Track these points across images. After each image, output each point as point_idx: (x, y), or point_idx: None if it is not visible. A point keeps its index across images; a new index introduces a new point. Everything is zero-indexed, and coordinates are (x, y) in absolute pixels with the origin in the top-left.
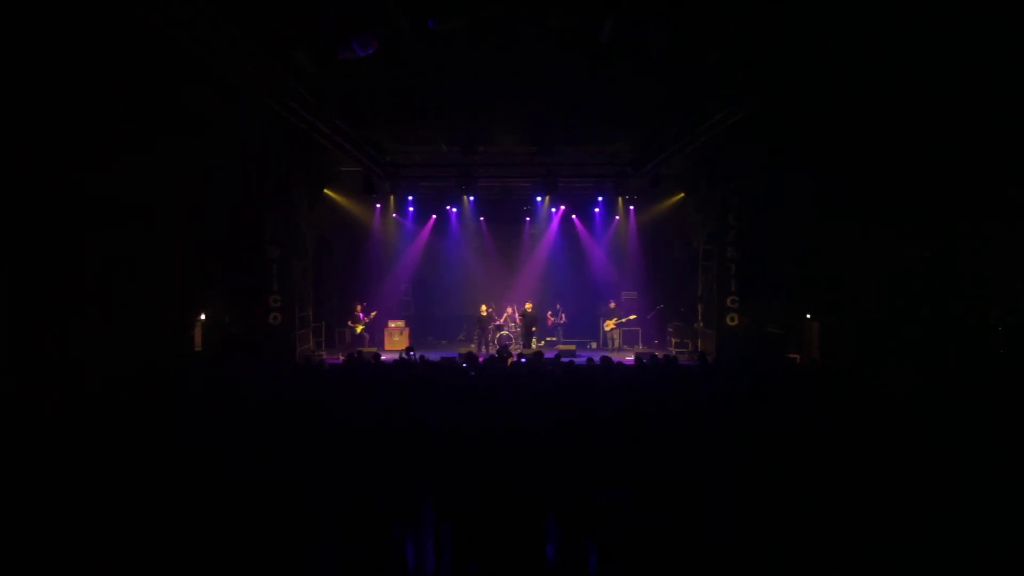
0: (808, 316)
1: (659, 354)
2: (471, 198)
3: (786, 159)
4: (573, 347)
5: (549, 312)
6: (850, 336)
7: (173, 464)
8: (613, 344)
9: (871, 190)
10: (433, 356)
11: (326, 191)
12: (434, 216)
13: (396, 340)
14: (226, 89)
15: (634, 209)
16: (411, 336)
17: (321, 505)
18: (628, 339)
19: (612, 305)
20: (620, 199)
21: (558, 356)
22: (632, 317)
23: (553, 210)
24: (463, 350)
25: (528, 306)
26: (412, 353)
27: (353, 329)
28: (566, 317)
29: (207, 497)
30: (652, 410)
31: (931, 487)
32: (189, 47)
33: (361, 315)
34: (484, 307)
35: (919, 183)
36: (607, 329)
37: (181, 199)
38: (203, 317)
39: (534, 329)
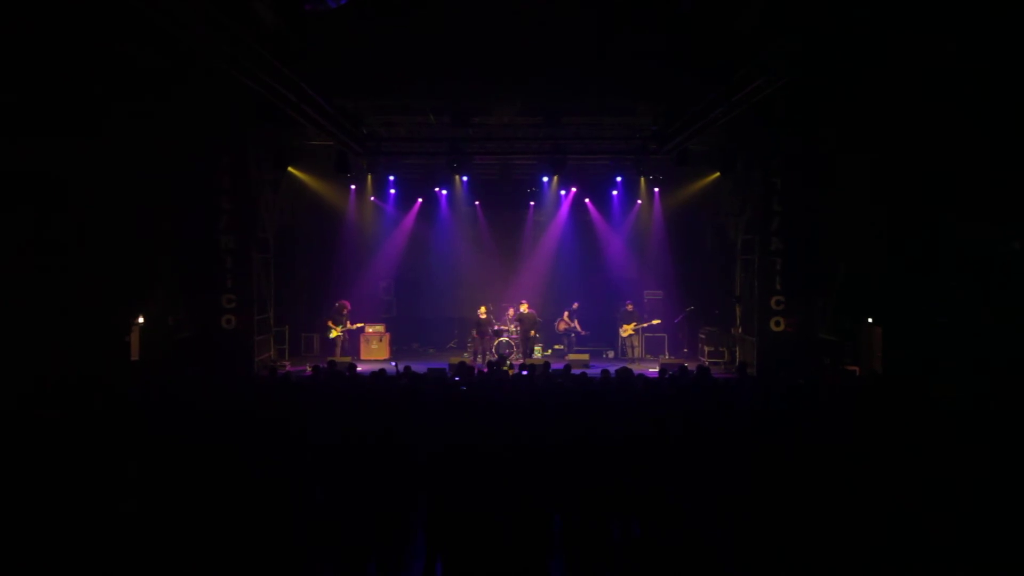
0: (869, 320)
1: (689, 365)
2: (464, 178)
3: (842, 130)
4: (586, 357)
5: (566, 313)
6: (921, 344)
7: (99, 500)
8: (633, 353)
9: (951, 168)
10: (419, 367)
11: (291, 170)
12: (420, 200)
13: (375, 348)
14: (171, 47)
15: (659, 191)
16: (393, 343)
17: (285, 552)
18: (652, 347)
19: (629, 307)
20: (642, 179)
21: (568, 367)
22: (656, 322)
23: (562, 192)
24: (455, 360)
25: (523, 307)
26: (394, 364)
27: (329, 331)
28: (580, 325)
29: (138, 544)
30: (681, 435)
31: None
32: None
33: (348, 311)
34: (483, 309)
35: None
36: (624, 335)
37: (117, 177)
38: (142, 320)
39: (534, 334)
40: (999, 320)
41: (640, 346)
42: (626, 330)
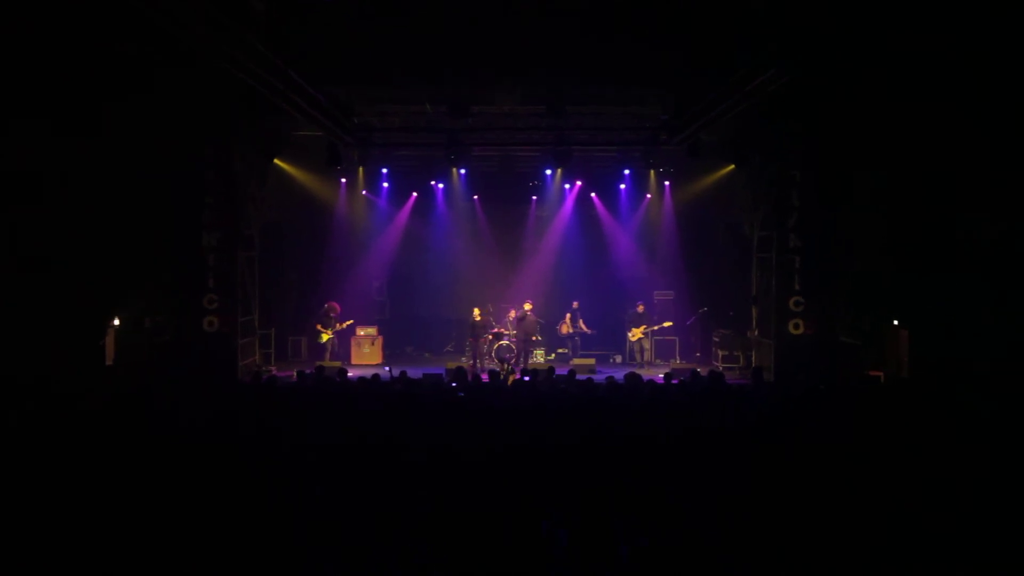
0: (895, 322)
1: (701, 370)
2: (462, 171)
3: (863, 122)
4: (592, 361)
5: (568, 316)
6: (950, 347)
7: (70, 518)
8: (643, 357)
9: (980, 164)
10: (414, 372)
11: (278, 162)
12: (415, 194)
13: (366, 352)
14: (149, 33)
15: (670, 185)
16: (386, 347)
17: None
18: (662, 352)
19: (640, 309)
20: (652, 172)
21: (572, 373)
22: (667, 324)
23: (567, 186)
24: (451, 365)
25: (527, 306)
26: (387, 369)
27: (319, 336)
28: (585, 324)
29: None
30: (690, 445)
31: None
32: None
33: (337, 313)
34: (477, 310)
35: None
36: (633, 339)
37: (92, 171)
38: (117, 322)
39: (535, 338)
40: None
41: (650, 350)
42: (635, 334)
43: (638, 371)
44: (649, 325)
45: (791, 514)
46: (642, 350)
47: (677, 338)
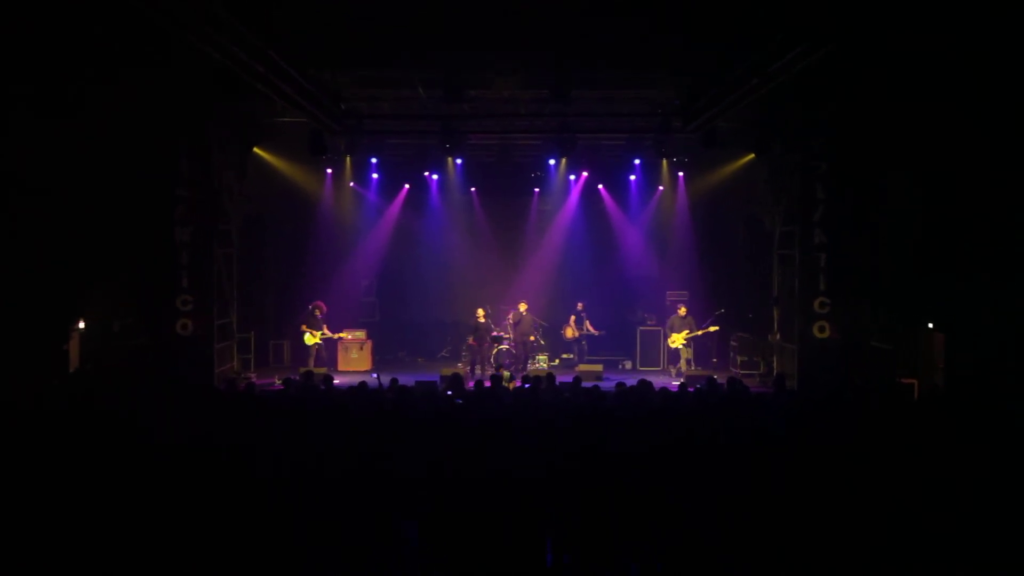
0: (930, 325)
1: (718, 377)
2: (458, 161)
3: (901, 104)
4: (599, 368)
5: (572, 318)
6: (991, 354)
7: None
8: (686, 367)
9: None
10: (407, 379)
11: (258, 151)
12: (407, 186)
13: (355, 358)
14: (114, 9)
15: (684, 176)
16: (376, 352)
17: None
18: (675, 356)
19: (682, 312)
20: (664, 162)
21: (577, 380)
22: (713, 329)
23: (572, 177)
24: (447, 371)
25: (522, 307)
26: (375, 376)
27: (304, 338)
28: (592, 325)
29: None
30: (708, 464)
31: None
32: None
33: (324, 313)
34: (481, 311)
35: None
36: (673, 346)
37: (54, 162)
38: (82, 325)
39: (531, 339)
40: None
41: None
42: (675, 340)
43: (677, 380)
44: (693, 330)
45: (811, 541)
46: (689, 359)
47: (692, 342)
